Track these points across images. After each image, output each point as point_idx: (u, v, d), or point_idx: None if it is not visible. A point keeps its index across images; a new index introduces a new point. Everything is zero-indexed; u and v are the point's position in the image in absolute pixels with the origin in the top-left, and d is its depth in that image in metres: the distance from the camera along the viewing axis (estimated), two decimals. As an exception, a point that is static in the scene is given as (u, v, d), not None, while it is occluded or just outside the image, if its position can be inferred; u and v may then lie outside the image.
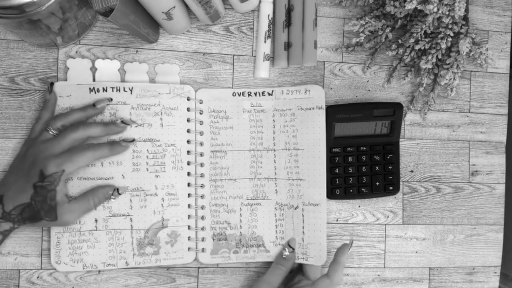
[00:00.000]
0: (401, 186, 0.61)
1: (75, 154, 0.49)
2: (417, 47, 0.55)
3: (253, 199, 0.57)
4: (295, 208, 0.57)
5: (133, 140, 0.54)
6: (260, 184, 0.57)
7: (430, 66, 0.55)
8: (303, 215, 0.57)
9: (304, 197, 0.57)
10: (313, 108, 0.57)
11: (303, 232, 0.57)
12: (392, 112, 0.58)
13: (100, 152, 0.51)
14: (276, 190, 0.57)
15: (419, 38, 0.55)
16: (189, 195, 0.56)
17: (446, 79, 0.56)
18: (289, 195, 0.57)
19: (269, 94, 0.57)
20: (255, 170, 0.57)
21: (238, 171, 0.57)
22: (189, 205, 0.56)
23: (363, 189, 0.59)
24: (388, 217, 0.61)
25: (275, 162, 0.57)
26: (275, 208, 0.57)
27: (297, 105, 0.58)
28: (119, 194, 0.53)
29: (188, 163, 0.56)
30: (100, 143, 0.52)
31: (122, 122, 0.53)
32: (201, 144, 0.56)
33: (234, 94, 0.57)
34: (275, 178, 0.57)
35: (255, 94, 0.57)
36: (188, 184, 0.56)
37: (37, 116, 0.53)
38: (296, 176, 0.57)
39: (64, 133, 0.49)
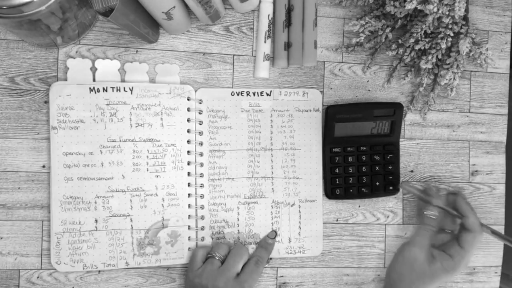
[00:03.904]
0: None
1: (254, 273, 0.53)
2: (417, 47, 0.55)
3: (250, 198, 0.57)
4: (291, 205, 0.58)
5: (275, 236, 0.58)
6: (257, 183, 0.57)
7: (430, 66, 0.55)
8: (299, 211, 0.58)
9: (300, 195, 0.58)
10: (310, 111, 0.58)
11: (299, 227, 0.58)
12: (392, 112, 0.58)
13: (264, 259, 0.55)
14: (272, 188, 0.58)
15: (419, 38, 0.55)
16: (189, 195, 0.56)
17: (446, 79, 0.56)
18: (285, 193, 0.58)
19: (267, 94, 0.57)
20: (252, 169, 0.57)
21: (236, 170, 0.57)
22: (189, 205, 0.56)
23: (363, 189, 0.59)
24: (388, 217, 0.61)
25: (272, 162, 0.58)
26: (271, 206, 0.58)
27: (294, 107, 0.58)
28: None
29: (188, 163, 0.56)
30: (259, 256, 0.55)
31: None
32: (201, 144, 0.56)
33: (232, 94, 0.57)
34: (272, 177, 0.58)
35: (254, 94, 0.57)
36: (188, 184, 0.56)
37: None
38: (293, 174, 0.58)
39: (237, 261, 0.53)
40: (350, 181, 0.59)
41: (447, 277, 0.52)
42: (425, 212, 0.55)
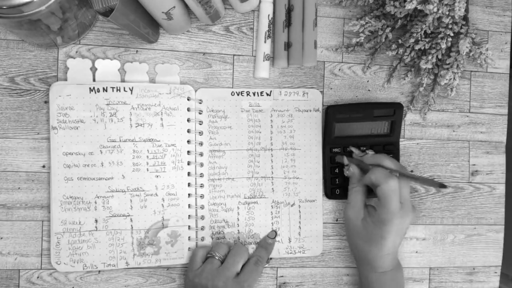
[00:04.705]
0: (401, 186, 0.61)
1: (254, 273, 0.53)
2: (417, 47, 0.55)
3: (250, 198, 0.57)
4: (291, 205, 0.58)
5: (275, 235, 0.58)
6: (257, 183, 0.57)
7: (430, 66, 0.55)
8: (299, 211, 0.58)
9: (300, 195, 0.58)
10: (310, 110, 0.58)
11: (299, 227, 0.58)
12: (392, 112, 0.58)
13: (264, 259, 0.55)
14: (272, 188, 0.58)
15: (419, 38, 0.55)
16: (189, 195, 0.56)
17: (446, 79, 0.56)
18: (285, 193, 0.58)
19: (267, 94, 0.57)
20: (252, 169, 0.57)
21: (236, 170, 0.57)
22: (189, 205, 0.56)
23: (363, 189, 0.59)
24: (388, 217, 0.61)
25: (272, 162, 0.58)
26: (271, 206, 0.58)
27: (294, 107, 0.58)
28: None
29: (188, 163, 0.56)
30: (259, 256, 0.55)
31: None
32: (201, 144, 0.56)
33: (232, 94, 0.57)
34: (272, 177, 0.58)
35: (254, 94, 0.57)
36: (188, 184, 0.56)
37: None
38: (293, 174, 0.58)
39: (237, 260, 0.53)
40: (350, 181, 0.59)
41: (380, 231, 0.51)
42: (345, 172, 0.56)
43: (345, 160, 0.56)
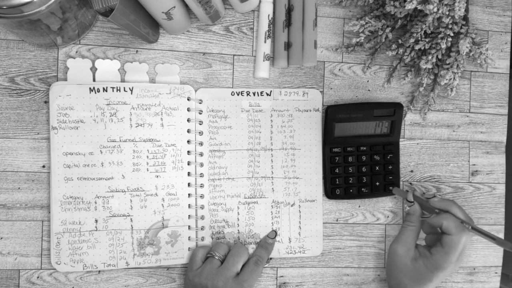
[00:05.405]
0: (401, 186, 0.61)
1: (254, 273, 0.53)
2: (417, 47, 0.55)
3: (250, 198, 0.57)
4: (292, 205, 0.58)
5: (275, 235, 0.58)
6: (257, 183, 0.57)
7: (430, 66, 0.55)
8: (299, 211, 0.58)
9: (300, 195, 0.58)
10: (310, 110, 0.58)
11: (299, 227, 0.58)
12: (392, 112, 0.58)
13: (264, 259, 0.55)
14: (272, 188, 0.58)
15: (419, 38, 0.55)
16: (189, 195, 0.56)
17: (446, 79, 0.56)
18: (285, 193, 0.58)
19: (267, 94, 0.57)
20: (252, 169, 0.57)
21: (236, 170, 0.57)
22: (189, 205, 0.56)
23: (363, 189, 0.59)
24: (388, 217, 0.61)
25: (272, 162, 0.58)
26: (272, 206, 0.58)
27: (294, 107, 0.58)
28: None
29: (188, 163, 0.56)
30: (259, 255, 0.55)
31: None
32: (201, 144, 0.56)
33: (232, 94, 0.57)
34: (272, 177, 0.58)
35: (254, 94, 0.57)
36: (188, 184, 0.56)
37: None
38: (293, 174, 0.58)
39: (237, 260, 0.53)
40: (350, 181, 0.59)
41: (430, 275, 0.51)
42: (406, 208, 0.55)
43: (410, 197, 0.55)
